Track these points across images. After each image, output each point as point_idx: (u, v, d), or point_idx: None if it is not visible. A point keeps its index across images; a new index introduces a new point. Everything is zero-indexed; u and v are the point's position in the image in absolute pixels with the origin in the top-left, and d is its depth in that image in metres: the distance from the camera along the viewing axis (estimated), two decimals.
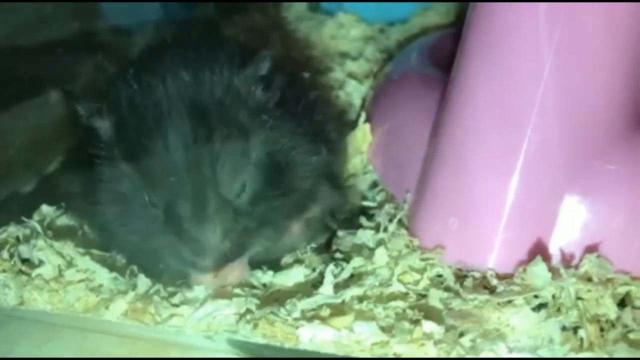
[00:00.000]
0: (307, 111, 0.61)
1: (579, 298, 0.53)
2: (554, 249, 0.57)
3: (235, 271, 0.58)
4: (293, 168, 0.58)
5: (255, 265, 0.60)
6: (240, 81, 0.56)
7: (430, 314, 0.53)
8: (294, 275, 0.59)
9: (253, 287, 0.59)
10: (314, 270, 0.60)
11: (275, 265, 0.61)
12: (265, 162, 0.56)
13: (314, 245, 0.63)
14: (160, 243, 0.55)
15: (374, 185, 0.73)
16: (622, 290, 0.55)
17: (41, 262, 0.61)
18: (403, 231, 0.62)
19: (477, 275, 0.57)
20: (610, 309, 0.53)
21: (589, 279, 0.55)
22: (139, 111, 0.54)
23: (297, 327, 0.52)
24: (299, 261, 0.61)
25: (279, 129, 0.57)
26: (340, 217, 0.66)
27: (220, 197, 0.53)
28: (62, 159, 0.72)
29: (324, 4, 1.04)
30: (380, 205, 0.69)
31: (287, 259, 0.62)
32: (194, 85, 0.55)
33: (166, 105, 0.54)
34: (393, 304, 0.54)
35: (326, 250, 0.64)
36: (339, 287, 0.56)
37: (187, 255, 0.54)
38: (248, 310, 0.55)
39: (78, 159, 0.61)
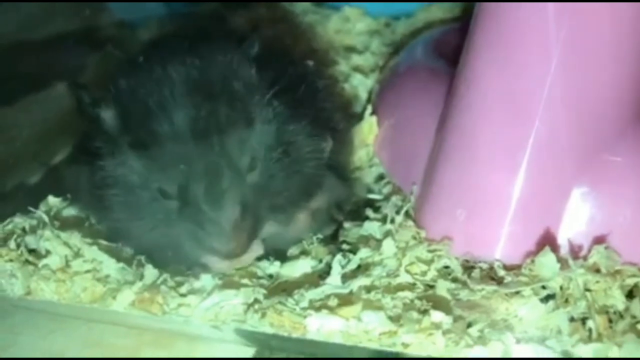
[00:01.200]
0: (313, 98, 0.62)
1: (587, 289, 0.53)
2: (561, 241, 0.57)
3: (250, 252, 0.57)
4: (300, 147, 0.58)
5: (261, 256, 0.60)
6: (236, 62, 0.57)
7: (438, 304, 0.53)
8: (301, 266, 0.58)
9: (259, 277, 0.58)
10: (320, 261, 0.60)
11: (282, 257, 0.61)
12: (270, 139, 0.56)
13: (320, 236, 0.63)
14: (175, 232, 0.55)
15: (380, 177, 0.73)
16: (630, 281, 0.55)
17: (48, 253, 0.61)
18: (410, 223, 0.62)
19: (485, 266, 0.57)
20: (618, 300, 0.53)
21: (597, 270, 0.55)
22: (141, 98, 0.55)
23: (304, 317, 0.52)
24: (305, 252, 0.61)
25: (283, 109, 0.58)
26: (347, 208, 0.66)
27: (233, 171, 0.53)
28: (69, 150, 0.72)
29: None
30: (386, 198, 0.69)
31: (293, 250, 0.62)
32: (193, 69, 0.55)
33: (168, 90, 0.54)
34: (401, 294, 0.54)
35: (333, 241, 0.64)
36: (346, 277, 0.56)
37: (206, 240, 0.54)
38: (256, 300, 0.55)
39: (85, 151, 0.60)
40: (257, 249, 0.58)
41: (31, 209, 0.65)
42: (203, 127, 0.53)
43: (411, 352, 0.51)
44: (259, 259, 0.59)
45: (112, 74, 0.59)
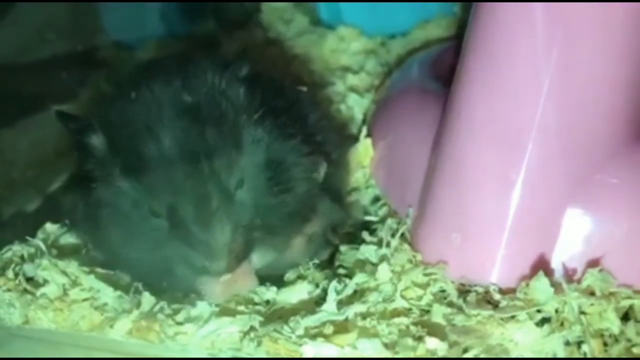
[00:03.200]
0: (305, 120, 0.63)
1: (582, 312, 0.53)
2: (556, 263, 0.57)
3: (245, 280, 0.58)
4: (291, 167, 0.59)
5: (258, 281, 0.60)
6: (224, 82, 0.57)
7: (434, 330, 0.53)
8: (298, 292, 0.59)
9: (256, 304, 0.59)
10: (317, 286, 0.60)
11: (278, 282, 0.61)
12: (259, 159, 0.57)
13: (316, 261, 0.63)
14: (167, 253, 0.55)
15: (377, 199, 0.73)
16: (625, 303, 0.55)
17: (45, 281, 0.61)
18: (406, 246, 0.63)
19: (480, 290, 0.58)
20: (613, 323, 0.53)
21: (592, 293, 0.55)
22: (129, 122, 0.55)
23: (300, 345, 0.53)
24: (302, 277, 0.61)
25: (273, 129, 0.58)
26: (342, 232, 0.66)
27: (222, 189, 0.54)
28: (67, 177, 0.73)
29: (324, 16, 1.05)
30: (382, 220, 0.69)
31: (289, 275, 0.62)
32: (180, 91, 0.56)
33: (155, 112, 0.55)
34: (396, 320, 0.54)
35: (329, 265, 0.64)
36: (342, 303, 0.56)
37: (197, 259, 0.54)
38: (252, 328, 0.55)
39: (79, 179, 0.61)
40: (251, 281, 0.58)
41: (28, 237, 0.66)
42: (190, 147, 0.53)
43: None
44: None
45: (99, 99, 0.60)
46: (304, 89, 0.68)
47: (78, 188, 0.61)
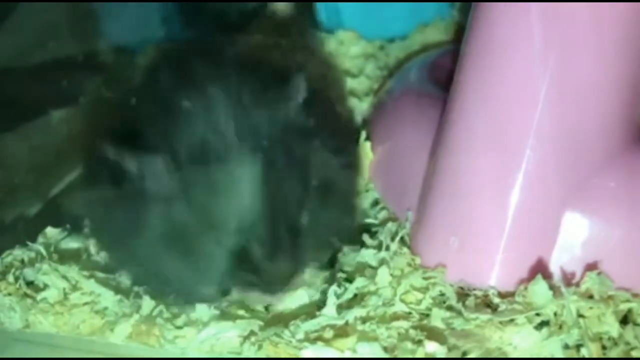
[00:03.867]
0: (336, 134, 0.62)
1: (580, 316, 0.54)
2: (554, 267, 0.58)
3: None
4: (332, 191, 0.58)
5: None
6: (285, 108, 0.55)
7: (433, 333, 0.53)
8: (298, 297, 0.59)
9: (256, 311, 0.59)
10: (317, 290, 0.60)
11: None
12: (312, 185, 0.56)
13: (317, 264, 0.63)
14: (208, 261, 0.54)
15: (376, 203, 0.73)
16: (623, 307, 0.55)
17: (46, 286, 0.61)
18: (405, 250, 0.63)
19: (479, 293, 0.58)
20: (612, 327, 0.53)
21: (591, 297, 0.55)
22: (190, 148, 0.52)
23: (300, 349, 0.53)
24: (301, 283, 0.61)
25: (321, 152, 0.57)
26: (344, 236, 0.66)
27: (293, 228, 0.53)
28: (68, 181, 0.73)
29: (324, 20, 1.05)
30: (381, 224, 0.70)
31: None
32: (240, 112, 0.54)
33: (216, 136, 0.52)
34: (396, 324, 0.54)
35: (329, 269, 0.64)
36: (342, 307, 0.56)
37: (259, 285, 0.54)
38: (252, 332, 0.55)
39: (97, 175, 0.58)
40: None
41: (29, 242, 0.66)
42: (263, 182, 0.52)
43: None
44: None
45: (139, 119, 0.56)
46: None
47: (97, 184, 0.58)
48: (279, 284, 0.54)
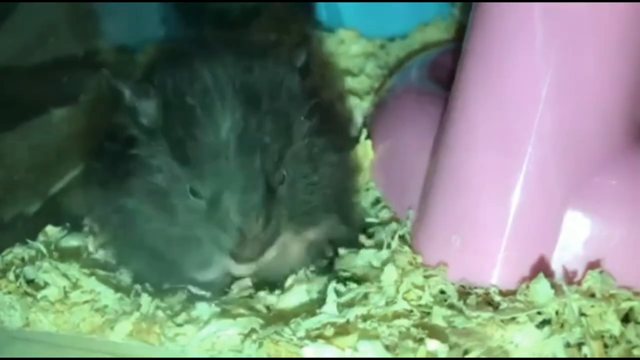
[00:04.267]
0: (335, 113, 0.64)
1: (582, 314, 0.53)
2: (556, 265, 0.57)
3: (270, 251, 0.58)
4: (320, 164, 0.59)
5: (258, 288, 0.60)
6: (284, 71, 0.57)
7: (434, 332, 0.53)
8: (298, 295, 0.59)
9: (257, 309, 0.59)
10: (317, 289, 0.60)
11: (275, 289, 0.61)
12: (302, 155, 0.57)
13: (313, 268, 0.63)
14: (196, 233, 0.56)
15: (377, 201, 0.73)
16: (625, 305, 0.55)
17: (46, 284, 0.61)
18: (406, 248, 0.63)
19: (480, 292, 0.58)
20: (614, 325, 0.53)
21: (592, 295, 0.55)
22: (186, 97, 0.54)
23: (301, 347, 0.53)
24: (301, 281, 0.61)
25: (316, 123, 0.58)
26: (340, 245, 0.66)
27: (268, 185, 0.54)
28: (68, 179, 0.73)
29: (323, 20, 1.05)
30: (382, 223, 0.69)
31: (289, 281, 0.61)
32: (240, 74, 0.55)
33: (214, 92, 0.54)
34: (397, 322, 0.54)
35: (329, 269, 0.64)
36: (343, 306, 0.56)
37: (227, 244, 0.55)
38: (252, 330, 0.55)
39: (107, 156, 0.61)
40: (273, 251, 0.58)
41: (29, 240, 0.66)
42: (245, 138, 0.53)
43: None
44: (256, 290, 0.60)
45: (154, 67, 0.59)
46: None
47: (99, 171, 0.61)
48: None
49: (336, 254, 0.65)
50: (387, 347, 0.52)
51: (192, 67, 0.56)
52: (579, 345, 0.52)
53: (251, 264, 0.57)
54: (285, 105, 0.56)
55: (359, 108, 0.86)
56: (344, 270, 0.62)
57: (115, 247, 0.64)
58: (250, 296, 0.60)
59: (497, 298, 0.56)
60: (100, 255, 0.66)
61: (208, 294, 0.60)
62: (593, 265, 0.57)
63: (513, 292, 0.57)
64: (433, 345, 0.52)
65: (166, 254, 0.59)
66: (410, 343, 0.52)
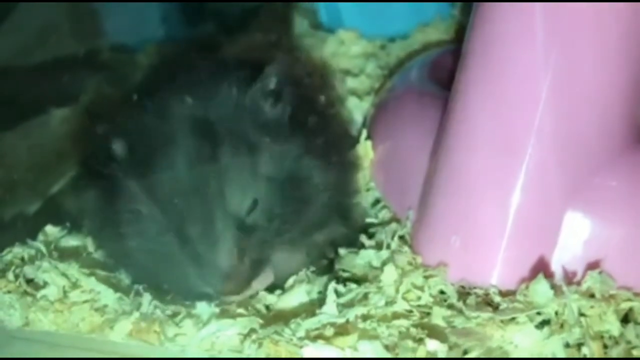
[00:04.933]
0: (318, 132, 0.62)
1: (582, 314, 0.53)
2: (556, 266, 0.57)
3: (260, 278, 0.58)
4: (304, 183, 0.58)
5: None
6: (249, 97, 0.57)
7: (434, 332, 0.53)
8: (298, 295, 0.59)
9: (256, 308, 0.59)
10: (317, 289, 0.60)
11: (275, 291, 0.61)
12: (276, 179, 0.56)
13: (313, 268, 0.63)
14: (175, 267, 0.56)
15: (377, 202, 0.73)
16: (625, 306, 0.55)
17: (46, 284, 0.61)
18: (406, 249, 0.63)
19: (480, 292, 0.58)
20: (613, 326, 0.53)
21: (592, 296, 0.55)
22: (149, 132, 0.55)
23: (300, 347, 0.53)
24: (301, 281, 0.61)
25: (290, 146, 0.58)
26: (340, 246, 0.65)
27: (229, 215, 0.54)
28: (71, 177, 0.73)
29: (325, 20, 1.05)
30: (382, 223, 0.69)
31: (290, 281, 0.61)
32: (200, 105, 0.56)
33: (173, 126, 0.55)
34: (397, 322, 0.54)
35: (329, 269, 0.64)
36: (343, 306, 0.56)
37: (206, 279, 0.54)
38: (252, 330, 0.55)
39: (91, 177, 0.61)
40: (268, 277, 0.58)
41: (29, 240, 0.66)
42: (203, 167, 0.53)
43: None
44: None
45: (122, 105, 0.60)
46: (322, 97, 0.68)
47: (91, 186, 0.61)
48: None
49: (336, 254, 0.64)
50: (386, 347, 0.52)
51: (156, 103, 0.57)
52: (579, 345, 0.52)
53: (236, 296, 0.57)
54: (250, 134, 0.56)
55: (359, 108, 0.86)
56: (344, 271, 0.62)
57: (108, 254, 0.64)
58: (250, 296, 0.59)
59: (497, 298, 0.56)
60: (99, 255, 0.66)
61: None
62: (593, 265, 0.57)
63: (513, 293, 0.57)
64: (433, 345, 0.52)
65: (153, 276, 0.60)
66: (410, 343, 0.52)
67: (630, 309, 0.55)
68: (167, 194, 0.54)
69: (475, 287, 0.58)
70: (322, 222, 0.63)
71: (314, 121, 0.62)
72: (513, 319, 0.54)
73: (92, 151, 0.60)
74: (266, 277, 0.59)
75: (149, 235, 0.56)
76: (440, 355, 0.51)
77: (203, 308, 0.58)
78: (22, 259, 0.65)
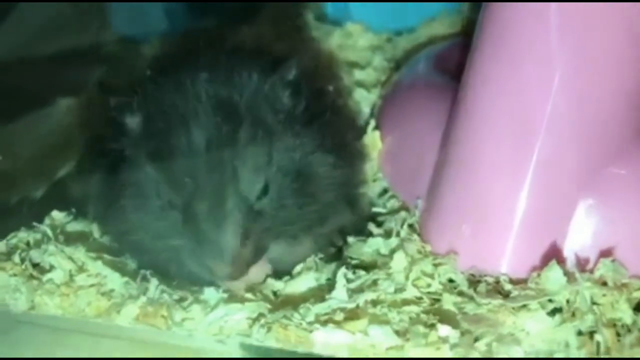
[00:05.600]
0: (334, 125, 0.62)
1: (594, 302, 0.53)
2: (568, 254, 0.57)
3: (257, 269, 0.57)
4: (316, 178, 0.58)
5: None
6: (268, 85, 0.57)
7: (445, 318, 0.53)
8: (306, 281, 0.58)
9: (264, 294, 0.58)
10: (325, 275, 0.60)
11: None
12: (288, 168, 0.56)
13: (322, 256, 0.62)
14: (178, 245, 0.55)
15: (384, 192, 0.73)
16: (637, 294, 0.55)
17: (52, 267, 0.61)
18: (415, 237, 0.62)
19: (491, 280, 0.57)
20: (626, 314, 0.53)
21: (604, 284, 0.54)
22: (166, 110, 0.55)
23: (310, 331, 0.52)
24: (309, 268, 0.61)
25: (305, 137, 0.58)
26: (348, 234, 0.65)
27: (240, 196, 0.53)
28: (74, 164, 0.72)
29: (331, 13, 1.05)
30: (390, 212, 0.69)
31: (297, 268, 0.61)
32: (221, 87, 0.55)
33: (192, 105, 0.54)
34: (407, 308, 0.54)
35: (338, 257, 0.63)
36: (352, 291, 0.56)
37: (205, 259, 0.53)
38: (261, 315, 0.54)
39: (97, 157, 0.61)
40: (265, 268, 0.58)
41: (35, 223, 0.65)
42: (219, 147, 0.53)
43: None
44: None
45: (140, 81, 0.59)
46: (331, 87, 0.68)
47: (95, 167, 0.61)
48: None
49: (345, 242, 0.64)
50: (397, 332, 0.51)
51: (174, 81, 0.56)
52: (591, 333, 0.52)
53: (234, 281, 0.56)
54: (267, 120, 0.56)
55: (367, 100, 0.85)
56: (352, 258, 0.62)
57: (113, 239, 0.64)
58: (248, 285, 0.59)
59: (508, 286, 0.56)
60: (105, 240, 0.65)
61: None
62: (605, 253, 0.56)
63: (523, 281, 0.56)
64: (444, 331, 0.51)
65: (158, 260, 0.59)
66: (421, 328, 0.51)
67: None
68: (177, 172, 0.53)
69: (485, 275, 0.58)
70: (330, 210, 0.62)
71: (325, 112, 0.62)
72: (524, 305, 0.53)
73: (104, 125, 0.60)
74: (263, 269, 0.58)
75: (154, 213, 0.56)
76: (452, 341, 0.51)
77: (210, 293, 0.57)
78: (28, 243, 0.64)
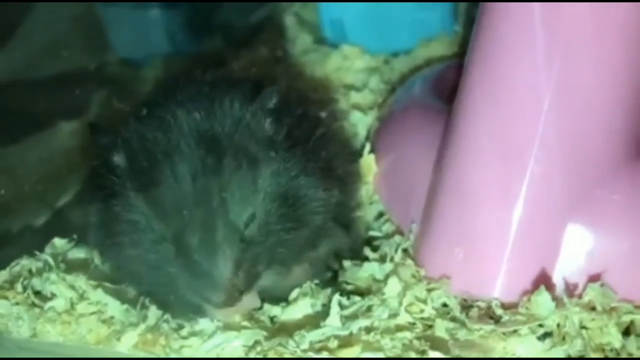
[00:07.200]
0: (323, 149, 0.63)
1: (583, 327, 0.54)
2: (557, 278, 0.58)
3: (247, 299, 0.58)
4: (303, 202, 0.59)
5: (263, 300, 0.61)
6: (249, 114, 0.57)
7: (437, 344, 0.54)
8: (301, 308, 0.59)
9: (260, 320, 0.59)
10: (320, 302, 0.61)
11: (278, 304, 0.62)
12: (274, 194, 0.57)
13: (317, 281, 0.63)
14: (173, 277, 0.56)
15: (380, 215, 0.74)
16: (626, 318, 0.55)
17: (54, 295, 0.62)
18: (409, 261, 0.63)
19: (483, 305, 0.58)
20: (614, 338, 0.54)
21: (593, 308, 0.55)
22: (149, 145, 0.56)
23: (305, 359, 0.53)
24: (305, 294, 0.61)
25: (289, 163, 0.58)
26: (344, 258, 0.66)
27: (230, 225, 0.54)
28: (76, 191, 0.74)
29: (329, 35, 1.06)
30: (386, 236, 0.70)
31: (294, 294, 0.62)
32: (203, 119, 0.56)
33: (175, 139, 0.55)
34: (400, 334, 0.55)
35: (333, 282, 0.65)
36: (346, 318, 0.57)
37: (199, 289, 0.54)
38: (257, 342, 0.55)
39: (95, 190, 0.62)
40: (253, 301, 0.59)
41: (37, 252, 0.67)
42: (204, 178, 0.54)
43: None
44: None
45: (124, 117, 0.60)
46: (324, 114, 0.69)
47: (93, 200, 0.62)
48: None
49: (340, 266, 0.65)
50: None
51: (156, 117, 0.57)
52: (581, 357, 0.52)
53: (227, 310, 0.57)
54: (250, 148, 0.56)
55: (363, 122, 0.86)
56: (348, 283, 0.63)
57: (113, 268, 0.65)
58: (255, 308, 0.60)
59: (499, 311, 0.57)
60: (106, 267, 0.66)
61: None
62: (594, 278, 0.57)
63: (515, 305, 0.57)
64: (435, 358, 0.52)
65: (156, 290, 0.60)
66: (413, 355, 0.52)
67: (632, 322, 0.55)
68: (165, 206, 0.55)
69: (477, 300, 0.59)
70: (322, 234, 0.63)
71: (317, 135, 0.63)
72: (515, 331, 0.54)
73: (95, 163, 0.61)
74: (252, 301, 0.59)
75: (147, 246, 0.57)
76: None
77: (207, 321, 0.58)
78: (30, 271, 0.66)
